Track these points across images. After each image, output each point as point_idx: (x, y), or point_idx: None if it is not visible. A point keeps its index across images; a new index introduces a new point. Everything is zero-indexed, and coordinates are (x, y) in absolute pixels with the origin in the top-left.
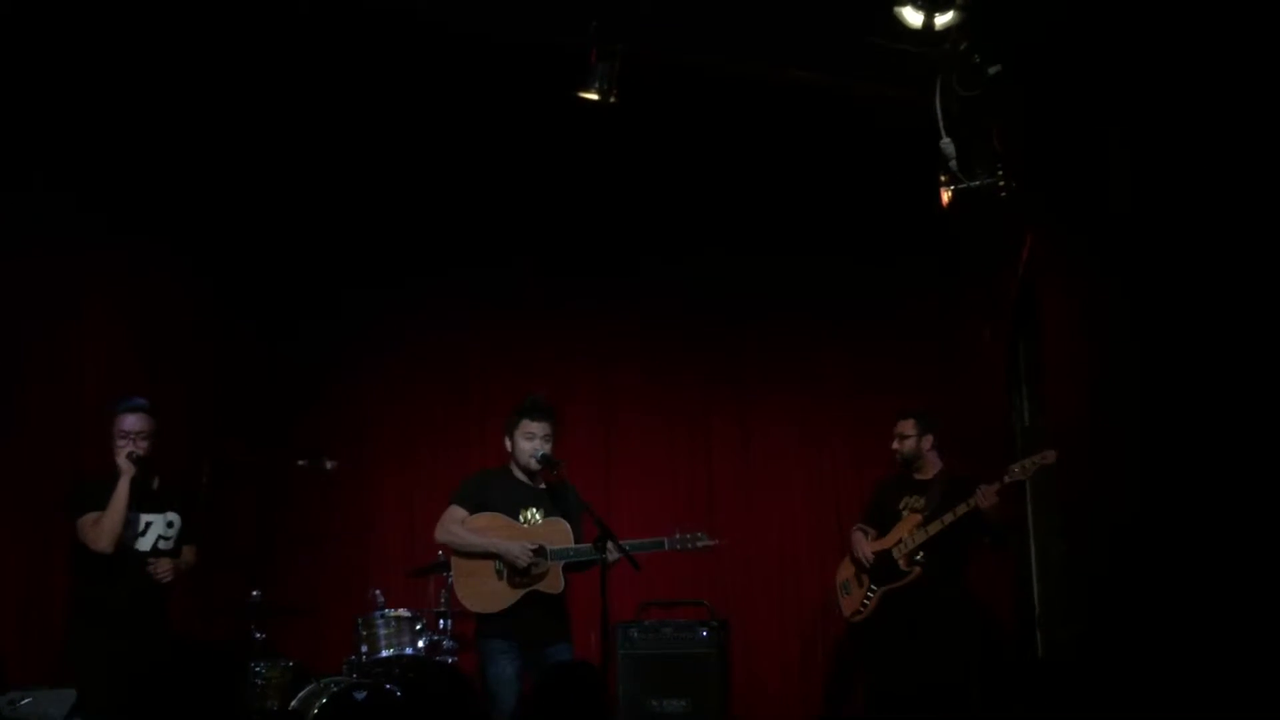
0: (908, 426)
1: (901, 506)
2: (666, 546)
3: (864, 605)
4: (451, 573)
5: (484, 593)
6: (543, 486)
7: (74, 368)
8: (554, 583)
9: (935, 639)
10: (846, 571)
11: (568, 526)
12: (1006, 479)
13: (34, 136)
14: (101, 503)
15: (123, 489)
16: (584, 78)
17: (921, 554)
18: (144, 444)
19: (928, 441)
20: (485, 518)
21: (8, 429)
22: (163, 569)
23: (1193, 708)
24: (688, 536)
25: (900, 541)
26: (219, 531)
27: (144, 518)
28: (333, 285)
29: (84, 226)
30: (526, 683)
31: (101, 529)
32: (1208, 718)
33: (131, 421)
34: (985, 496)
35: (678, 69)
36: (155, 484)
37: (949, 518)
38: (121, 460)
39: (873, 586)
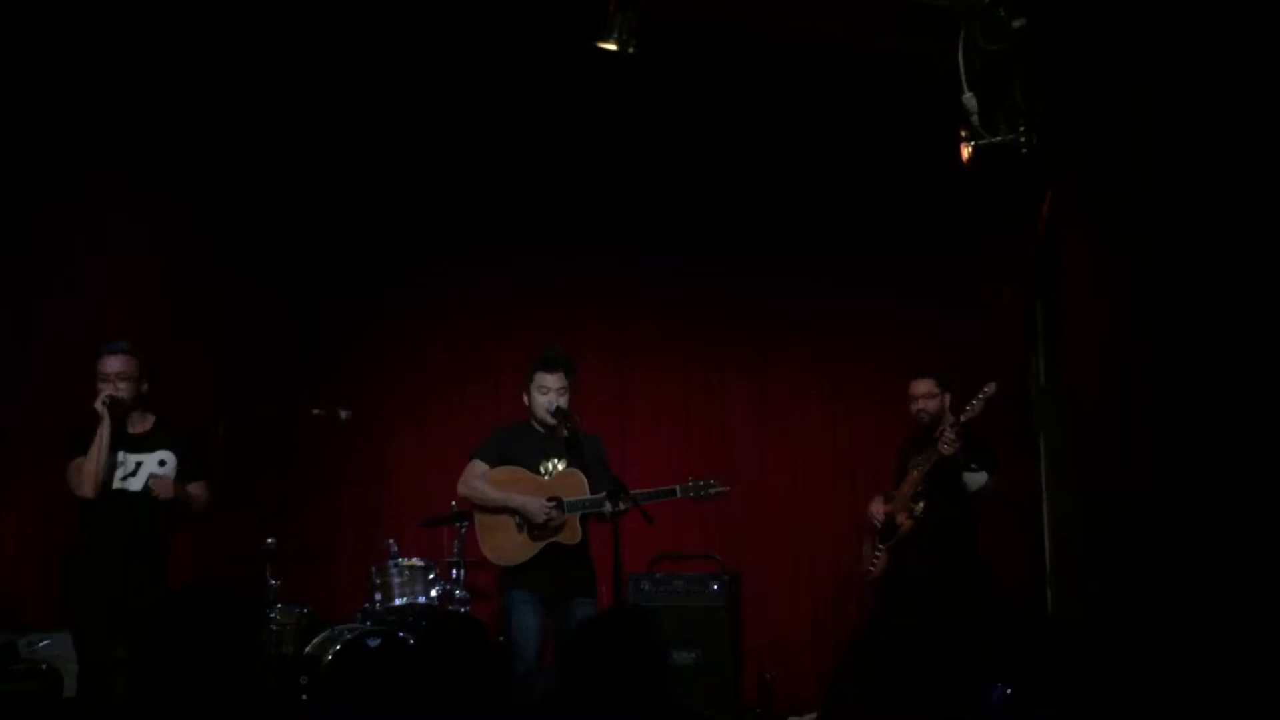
0: (931, 386)
1: (911, 465)
2: (679, 494)
3: (874, 564)
4: (476, 526)
5: (506, 546)
6: (563, 437)
7: (93, 318)
8: (571, 534)
9: (939, 595)
10: (867, 535)
11: (583, 477)
12: (962, 418)
13: (59, 82)
14: (86, 447)
15: (101, 434)
16: (603, 28)
17: (920, 505)
18: (124, 385)
19: (948, 400)
20: (505, 472)
21: (28, 380)
22: (162, 487)
23: (1204, 679)
24: (700, 484)
25: (900, 497)
26: (235, 480)
27: (133, 458)
28: (350, 240)
29: (107, 179)
30: (548, 635)
31: (83, 474)
32: (1220, 688)
33: (111, 364)
34: (945, 441)
35: (700, 19)
36: (150, 424)
37: (925, 465)
38: (97, 404)
39: (880, 545)
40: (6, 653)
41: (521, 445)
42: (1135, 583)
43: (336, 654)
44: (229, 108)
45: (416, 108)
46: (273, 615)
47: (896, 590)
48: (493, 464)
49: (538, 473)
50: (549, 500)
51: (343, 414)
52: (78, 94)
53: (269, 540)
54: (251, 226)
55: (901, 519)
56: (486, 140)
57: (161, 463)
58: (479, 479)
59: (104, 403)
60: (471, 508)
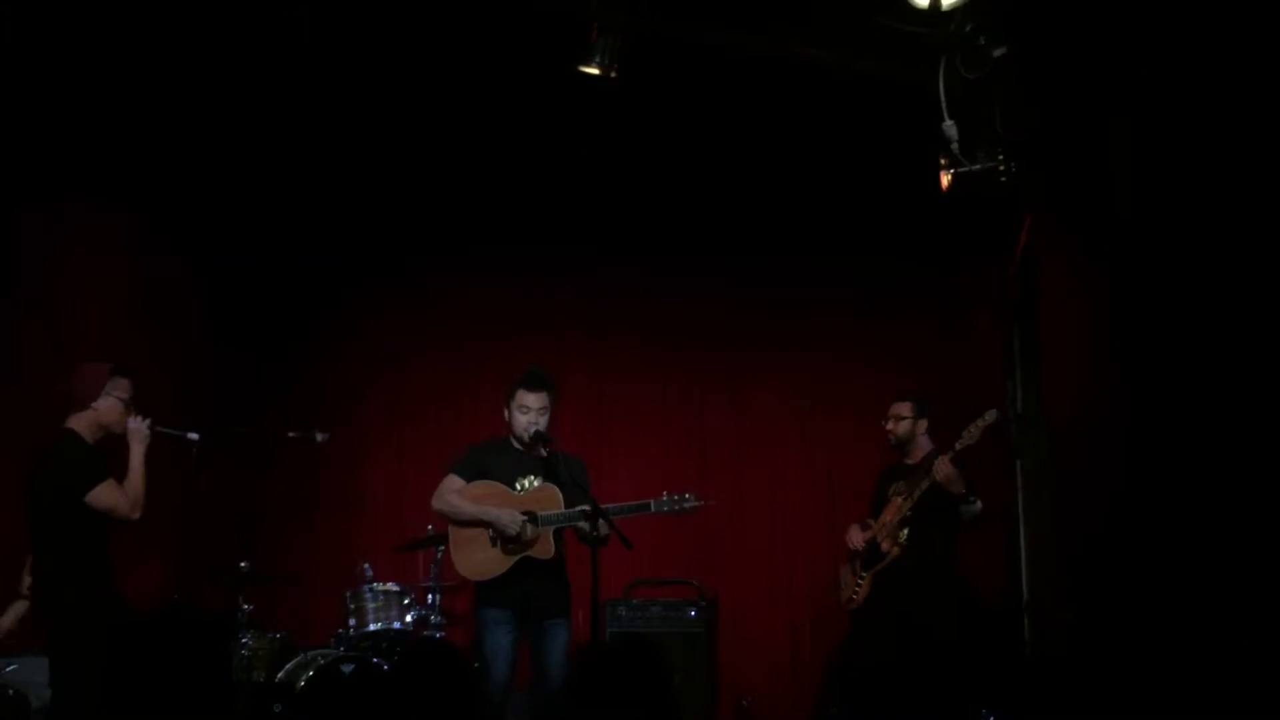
0: (904, 409)
1: (892, 493)
2: (653, 509)
3: (856, 591)
4: (450, 543)
5: (479, 561)
6: (542, 455)
7: (68, 333)
8: (544, 548)
9: (922, 619)
10: (844, 564)
11: (558, 492)
12: (957, 446)
13: (35, 94)
14: (103, 471)
15: (140, 454)
16: (585, 52)
17: (905, 532)
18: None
19: (922, 425)
20: (481, 486)
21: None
22: None
23: (1184, 704)
24: (674, 498)
25: (884, 525)
26: (208, 502)
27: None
28: (326, 260)
29: (81, 193)
30: (522, 654)
31: (137, 495)
32: (1199, 714)
33: (131, 387)
34: (940, 468)
35: (679, 44)
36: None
37: (916, 493)
38: (142, 426)
39: (862, 573)
40: None
41: (499, 461)
42: (1111, 610)
43: (310, 680)
44: (208, 126)
45: (397, 129)
46: (245, 640)
47: (879, 619)
48: (468, 479)
49: (514, 488)
50: (523, 514)
51: (319, 436)
52: (53, 105)
53: (242, 563)
54: (229, 245)
55: (886, 545)
56: (467, 163)
57: None
58: (454, 493)
59: (151, 428)
60: (446, 523)
